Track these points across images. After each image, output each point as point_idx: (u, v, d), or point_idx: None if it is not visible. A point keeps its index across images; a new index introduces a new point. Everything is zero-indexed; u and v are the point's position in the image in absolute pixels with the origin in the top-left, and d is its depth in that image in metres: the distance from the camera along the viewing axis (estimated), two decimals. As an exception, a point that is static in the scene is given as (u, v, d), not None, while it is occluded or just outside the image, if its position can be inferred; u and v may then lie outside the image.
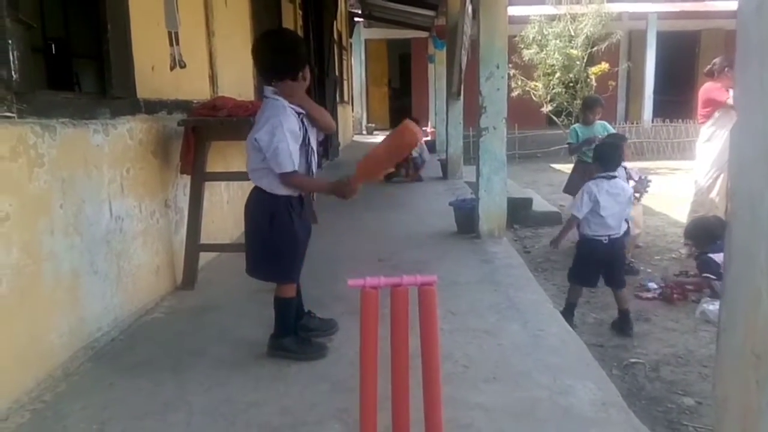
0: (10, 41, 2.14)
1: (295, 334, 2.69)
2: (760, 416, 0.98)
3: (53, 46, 4.04)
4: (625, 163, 4.82)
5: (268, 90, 2.49)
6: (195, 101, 3.89)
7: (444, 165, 8.73)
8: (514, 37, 11.61)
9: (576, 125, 5.78)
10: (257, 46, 2.58)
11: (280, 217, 2.48)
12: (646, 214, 6.13)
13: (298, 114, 2.47)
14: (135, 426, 2.11)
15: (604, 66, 12.40)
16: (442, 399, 1.50)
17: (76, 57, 3.85)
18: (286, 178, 2.43)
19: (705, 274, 4.17)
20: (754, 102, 1.09)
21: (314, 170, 2.54)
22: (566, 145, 6.47)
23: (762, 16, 1.07)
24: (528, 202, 6.80)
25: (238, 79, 5.07)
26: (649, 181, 4.71)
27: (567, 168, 8.00)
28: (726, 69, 4.94)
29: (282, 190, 2.48)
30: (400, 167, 8.14)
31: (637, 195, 4.59)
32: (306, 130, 2.49)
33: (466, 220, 4.97)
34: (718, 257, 4.07)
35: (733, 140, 1.14)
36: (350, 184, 2.45)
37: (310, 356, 2.61)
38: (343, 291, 3.24)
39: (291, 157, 2.39)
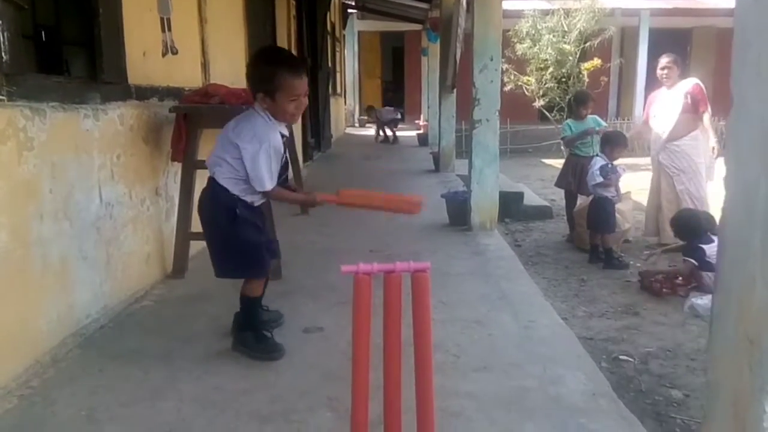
0: (0, 22, 2.11)
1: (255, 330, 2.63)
2: (752, 400, 0.99)
3: (43, 32, 3.99)
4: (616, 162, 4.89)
5: (257, 105, 2.44)
6: (187, 88, 3.86)
7: (436, 158, 8.74)
8: (508, 31, 11.63)
9: (569, 120, 5.82)
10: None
11: (241, 212, 2.43)
12: (636, 209, 6.16)
13: (282, 136, 2.45)
14: (124, 413, 2.09)
15: (597, 62, 12.45)
16: (434, 384, 1.50)
17: (66, 44, 3.80)
18: (265, 194, 2.46)
19: (685, 258, 4.18)
20: (751, 91, 1.09)
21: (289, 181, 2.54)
22: (559, 141, 6.52)
23: (760, 5, 1.07)
24: (519, 196, 6.81)
25: (230, 66, 5.03)
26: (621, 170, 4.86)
27: (558, 163, 8.03)
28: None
29: (239, 194, 2.42)
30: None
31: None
32: (286, 152, 2.52)
33: (458, 212, 4.97)
34: (707, 247, 4.11)
35: (730, 129, 1.15)
36: (317, 201, 2.46)
37: (266, 355, 2.52)
38: (334, 281, 3.25)
39: (271, 176, 2.39)
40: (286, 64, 2.43)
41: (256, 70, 2.44)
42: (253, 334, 2.59)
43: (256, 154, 2.33)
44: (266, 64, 2.43)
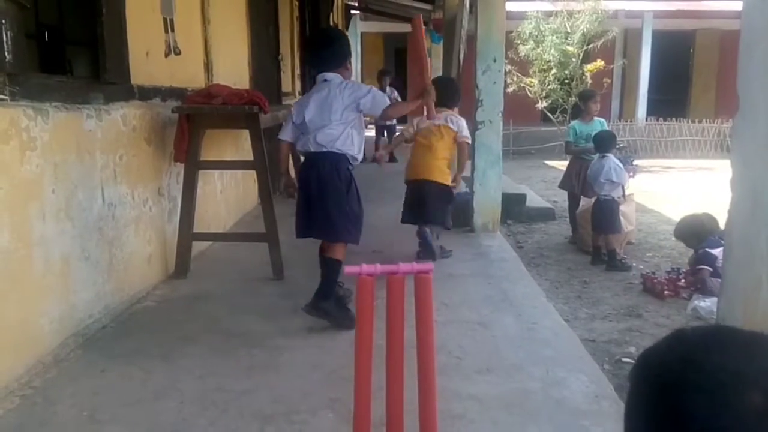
0: (3, 21, 2.11)
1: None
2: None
3: (46, 33, 3.99)
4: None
5: (331, 75, 2.84)
6: (189, 89, 3.86)
7: (438, 159, 8.71)
8: (511, 32, 11.61)
9: (574, 122, 5.72)
10: (320, 39, 3.20)
11: (354, 183, 2.84)
12: (639, 211, 6.15)
13: None
14: (125, 413, 2.09)
15: (600, 63, 12.44)
16: (436, 386, 1.50)
17: (68, 44, 3.81)
18: (387, 110, 2.92)
19: (700, 266, 4.19)
20: (757, 92, 1.08)
21: None
22: (562, 143, 6.49)
23: (766, 6, 1.06)
24: (522, 197, 6.80)
25: (233, 67, 5.03)
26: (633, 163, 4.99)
27: (561, 165, 8.02)
28: None
29: (357, 152, 2.86)
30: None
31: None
32: None
33: (461, 213, 4.96)
34: (716, 251, 4.09)
35: (736, 130, 1.14)
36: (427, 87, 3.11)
37: (344, 325, 2.71)
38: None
39: (384, 96, 2.94)
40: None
41: (343, 45, 2.95)
42: (335, 301, 2.82)
43: (368, 91, 2.84)
44: (345, 37, 3.08)
